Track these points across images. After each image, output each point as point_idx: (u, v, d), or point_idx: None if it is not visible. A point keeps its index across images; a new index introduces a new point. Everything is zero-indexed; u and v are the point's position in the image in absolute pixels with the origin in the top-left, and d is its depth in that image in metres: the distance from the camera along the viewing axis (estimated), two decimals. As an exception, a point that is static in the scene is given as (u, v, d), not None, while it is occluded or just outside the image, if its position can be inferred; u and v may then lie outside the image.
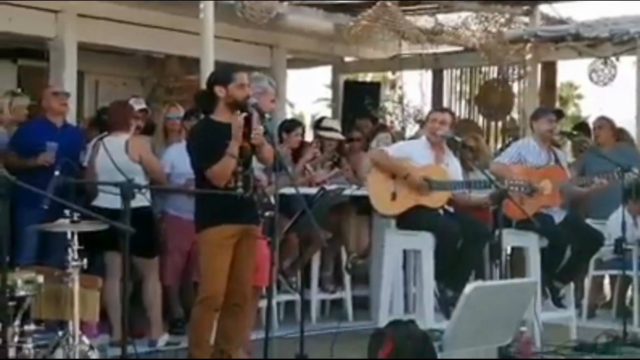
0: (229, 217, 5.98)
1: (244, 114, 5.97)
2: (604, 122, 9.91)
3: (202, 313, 6.02)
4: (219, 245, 5.95)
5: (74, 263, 5.49)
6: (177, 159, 7.48)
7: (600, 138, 9.66)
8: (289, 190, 6.57)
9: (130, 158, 7.18)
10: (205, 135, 6.00)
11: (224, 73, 6.15)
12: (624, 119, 13.24)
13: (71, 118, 8.49)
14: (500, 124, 13.04)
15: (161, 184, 7.40)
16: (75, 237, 5.52)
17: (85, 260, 5.53)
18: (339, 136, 9.28)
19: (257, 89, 6.37)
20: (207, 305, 5.99)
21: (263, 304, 6.83)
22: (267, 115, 6.05)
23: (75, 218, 5.51)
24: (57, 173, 5.67)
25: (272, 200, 6.14)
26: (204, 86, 6.53)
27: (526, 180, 7.48)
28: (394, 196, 7.37)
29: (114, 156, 6.92)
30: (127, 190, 5.07)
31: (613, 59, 10.58)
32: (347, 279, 8.78)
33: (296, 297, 8.13)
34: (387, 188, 7.38)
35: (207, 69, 7.98)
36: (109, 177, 6.75)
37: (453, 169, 7.63)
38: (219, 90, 6.00)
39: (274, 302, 7.46)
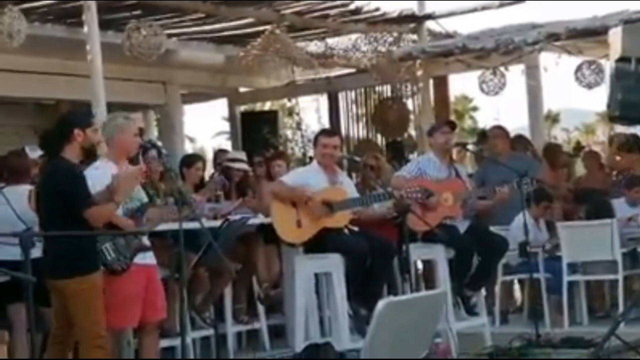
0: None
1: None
2: (499, 132, 10.13)
3: (103, 356, 5.91)
4: (100, 290, 5.92)
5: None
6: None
7: (497, 147, 9.82)
8: (193, 225, 6.50)
9: (32, 207, 7.05)
10: (82, 176, 5.88)
11: (85, 116, 6.10)
12: (517, 127, 13.56)
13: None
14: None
15: None
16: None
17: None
18: (246, 167, 9.28)
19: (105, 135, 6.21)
20: (105, 347, 5.91)
21: (176, 342, 6.73)
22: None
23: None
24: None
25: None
26: (95, 129, 6.14)
27: (421, 186, 7.58)
28: (299, 224, 7.39)
29: (15, 206, 6.88)
30: (26, 239, 4.96)
31: (502, 68, 10.77)
32: (261, 308, 8.74)
33: (211, 331, 8.05)
34: (291, 217, 7.40)
35: (99, 111, 7.89)
36: (9, 227, 6.66)
37: (348, 187, 7.70)
38: (78, 134, 5.89)
39: (188, 340, 7.37)
